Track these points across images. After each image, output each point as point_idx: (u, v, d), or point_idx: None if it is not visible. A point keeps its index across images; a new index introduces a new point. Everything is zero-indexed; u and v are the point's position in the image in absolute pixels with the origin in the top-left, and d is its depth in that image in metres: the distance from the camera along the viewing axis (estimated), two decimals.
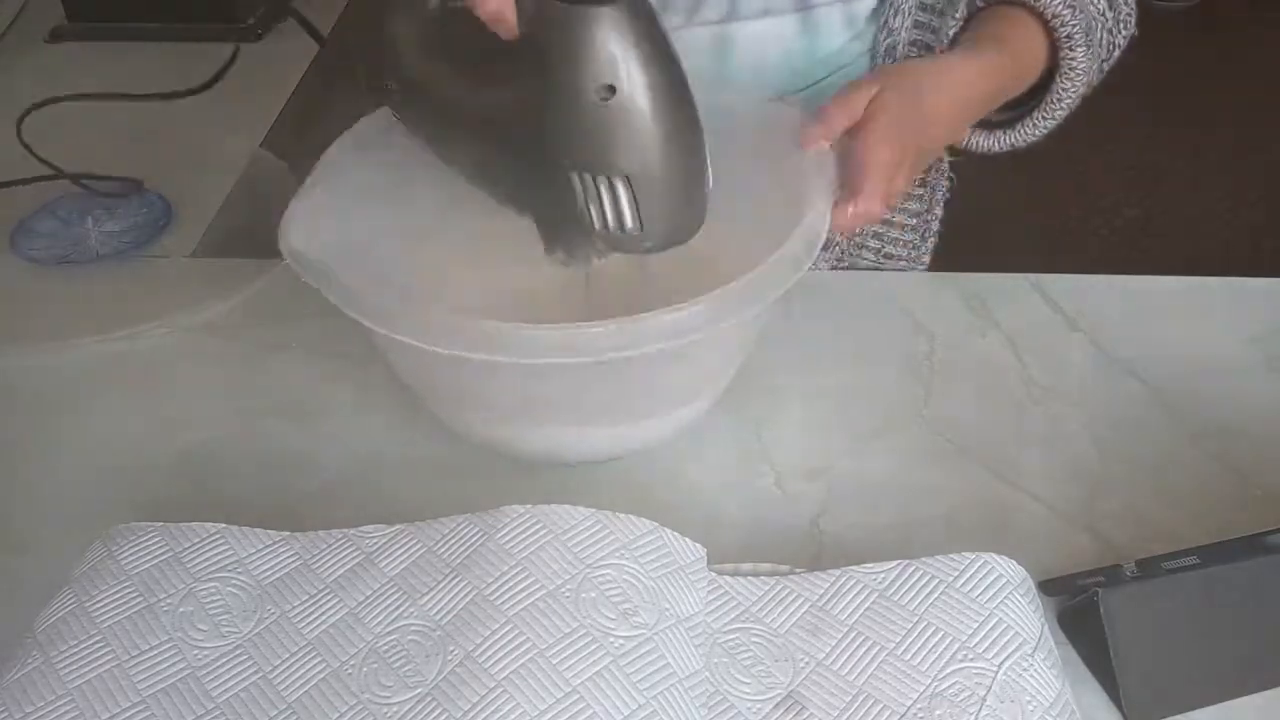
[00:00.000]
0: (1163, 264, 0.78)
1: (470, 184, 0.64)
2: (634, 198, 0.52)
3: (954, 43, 0.79)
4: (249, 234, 0.94)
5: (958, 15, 0.79)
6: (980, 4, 0.79)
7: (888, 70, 0.76)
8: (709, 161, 0.55)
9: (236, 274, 0.85)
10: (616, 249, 0.56)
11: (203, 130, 1.06)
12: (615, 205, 0.52)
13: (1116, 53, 0.83)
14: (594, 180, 0.52)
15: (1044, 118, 0.80)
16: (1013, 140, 0.81)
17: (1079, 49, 0.75)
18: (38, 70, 1.24)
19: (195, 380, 0.77)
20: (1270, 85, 2.54)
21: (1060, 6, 0.75)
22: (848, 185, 0.63)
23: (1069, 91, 0.78)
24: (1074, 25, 0.75)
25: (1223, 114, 2.49)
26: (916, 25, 0.82)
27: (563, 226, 0.56)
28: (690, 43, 0.82)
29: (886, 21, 0.83)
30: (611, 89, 0.49)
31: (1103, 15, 0.79)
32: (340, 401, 0.74)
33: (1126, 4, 0.81)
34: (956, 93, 0.72)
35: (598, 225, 0.53)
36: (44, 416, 0.75)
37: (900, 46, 0.83)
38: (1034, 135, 0.81)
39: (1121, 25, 0.82)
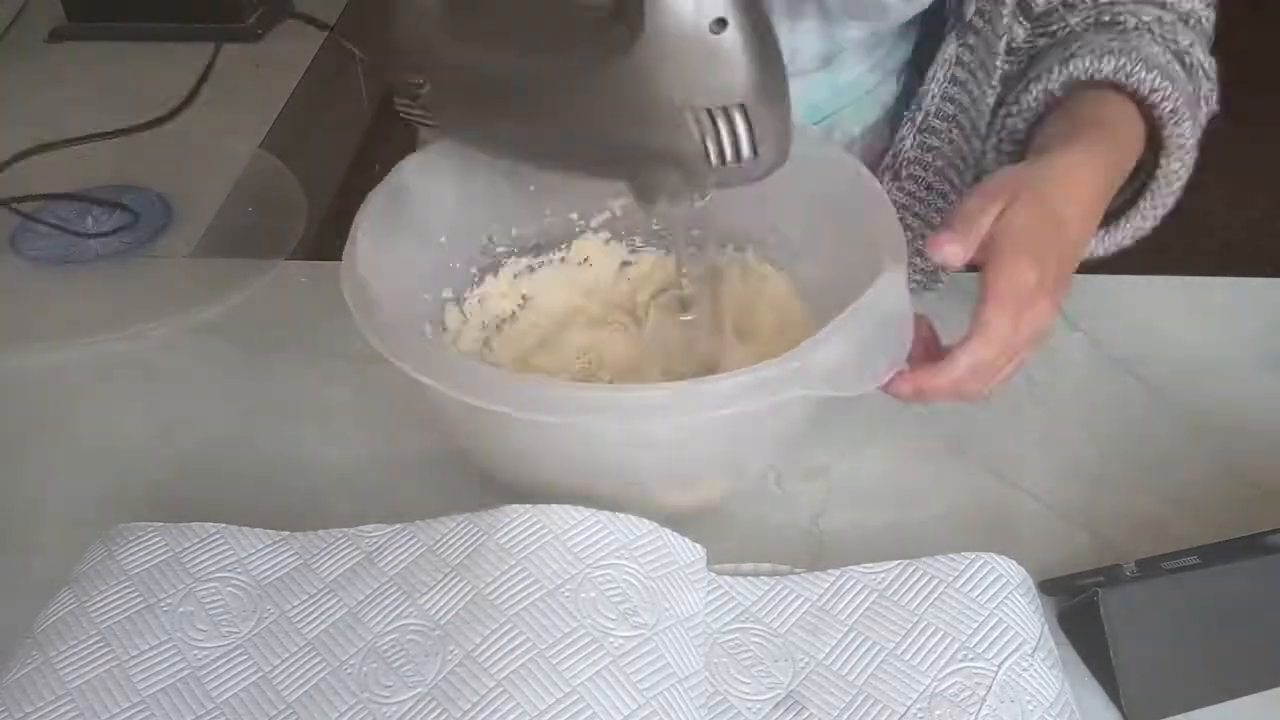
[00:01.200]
0: (1163, 264, 0.77)
1: (533, 166, 0.65)
2: (750, 126, 0.53)
3: (1042, 127, 0.71)
4: (249, 234, 0.94)
5: (1026, 102, 0.71)
6: (1058, 92, 0.71)
7: (1012, 181, 0.61)
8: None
9: (236, 274, 0.85)
10: (723, 184, 0.57)
11: (203, 130, 1.06)
12: (733, 136, 0.54)
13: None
14: (710, 115, 0.53)
15: (1153, 207, 0.71)
16: (1119, 240, 0.71)
17: (1185, 123, 0.67)
18: (38, 70, 1.24)
19: (195, 380, 0.77)
20: (1270, 85, 2.53)
21: (1158, 79, 0.66)
22: (974, 317, 0.57)
23: (1178, 173, 0.69)
24: (1177, 98, 0.67)
25: (1222, 114, 2.48)
26: (945, 97, 0.76)
27: (663, 173, 0.56)
28: None
29: (914, 101, 0.76)
30: (723, 22, 0.51)
31: (1201, 82, 0.71)
32: (340, 401, 0.73)
33: (1208, 76, 0.72)
34: (1084, 203, 0.63)
35: (715, 160, 0.54)
36: (44, 416, 0.75)
37: (929, 116, 0.76)
38: (1144, 229, 0.71)
39: (1211, 93, 0.73)
